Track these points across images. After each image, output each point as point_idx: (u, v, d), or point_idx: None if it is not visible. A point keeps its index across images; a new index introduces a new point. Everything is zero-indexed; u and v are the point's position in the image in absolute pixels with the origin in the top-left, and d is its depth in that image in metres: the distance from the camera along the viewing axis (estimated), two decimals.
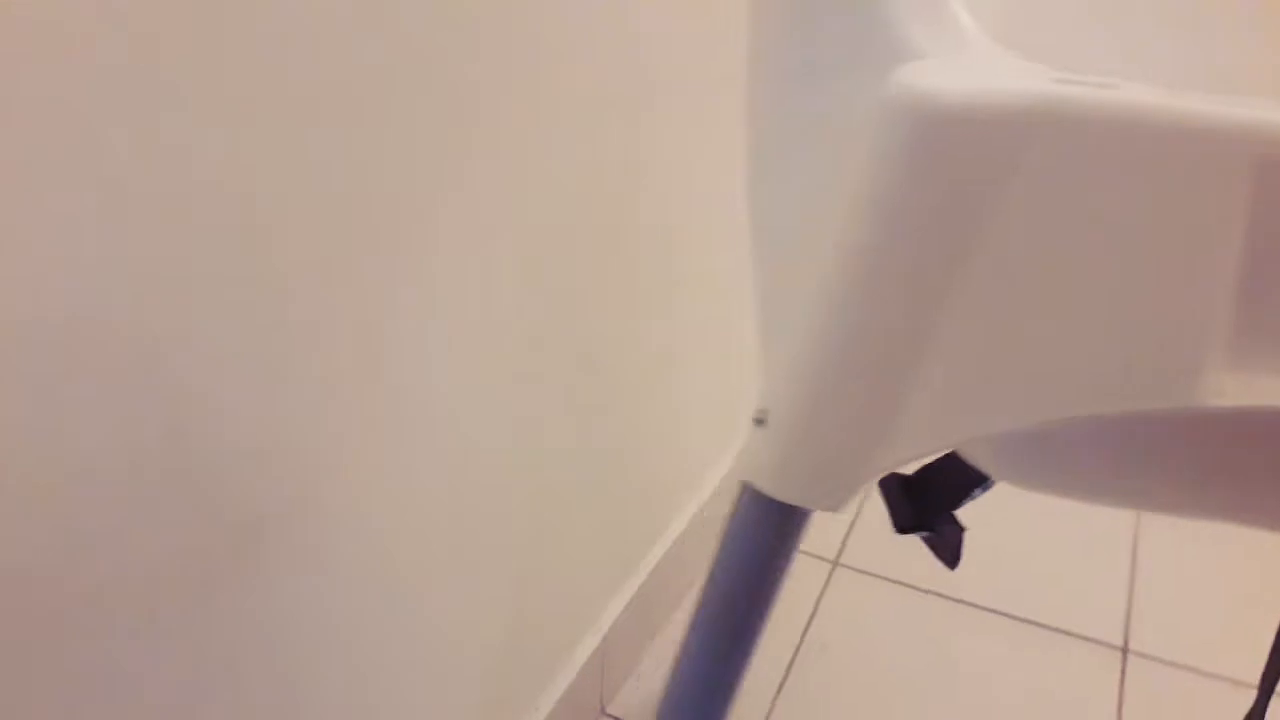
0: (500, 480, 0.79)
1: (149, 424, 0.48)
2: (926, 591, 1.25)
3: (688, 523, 1.17)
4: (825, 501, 0.36)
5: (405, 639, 0.72)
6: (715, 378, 1.16)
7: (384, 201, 0.59)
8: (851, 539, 1.33)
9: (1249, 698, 0.64)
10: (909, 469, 0.53)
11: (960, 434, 0.36)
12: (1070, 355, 0.32)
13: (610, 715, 1.08)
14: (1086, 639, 1.20)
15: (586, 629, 1.01)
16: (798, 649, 1.18)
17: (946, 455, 0.49)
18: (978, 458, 0.45)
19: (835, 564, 1.29)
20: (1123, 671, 1.16)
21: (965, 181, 0.31)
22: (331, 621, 0.64)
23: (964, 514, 0.56)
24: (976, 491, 0.52)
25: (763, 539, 0.39)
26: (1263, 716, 0.61)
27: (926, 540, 0.54)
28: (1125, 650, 1.18)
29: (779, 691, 1.13)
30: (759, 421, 0.36)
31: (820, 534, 1.34)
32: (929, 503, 0.52)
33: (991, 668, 1.16)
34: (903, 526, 0.53)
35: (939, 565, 0.56)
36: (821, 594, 1.25)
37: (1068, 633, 1.21)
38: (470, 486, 0.75)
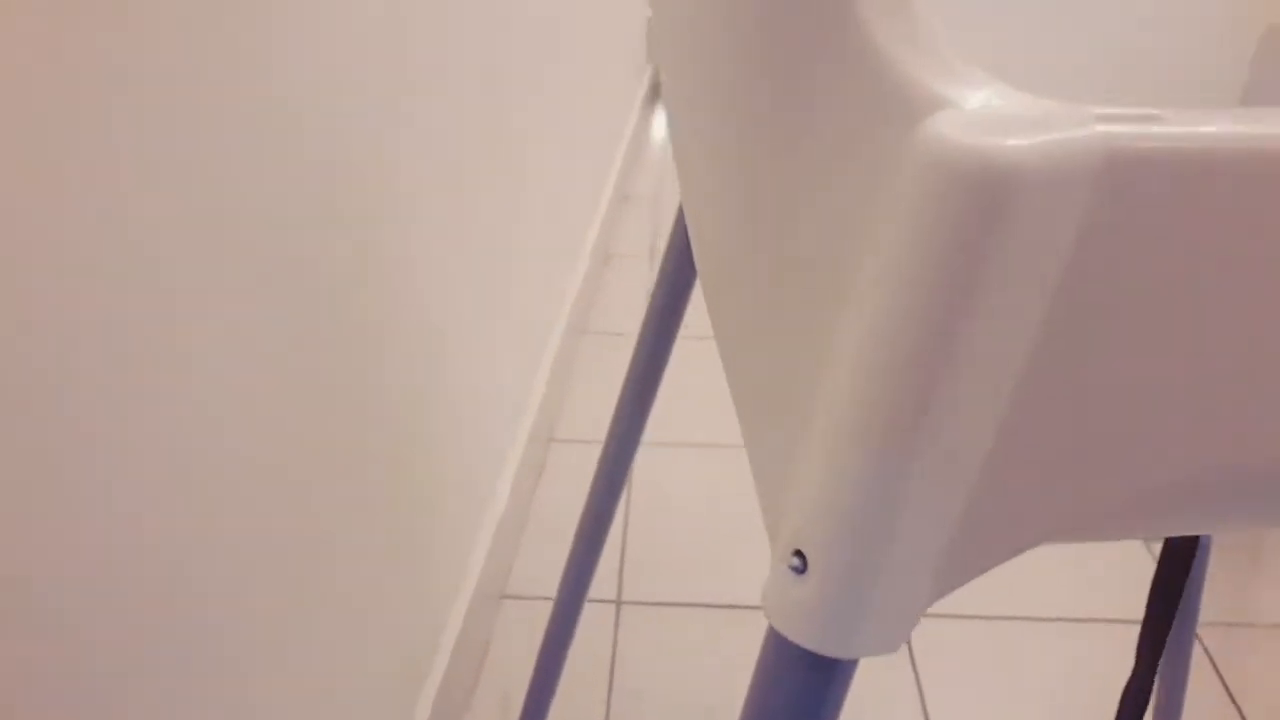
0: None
1: None
2: (726, 607, 1.23)
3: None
4: (885, 645, 0.29)
5: None
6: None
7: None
8: (626, 573, 1.28)
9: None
10: None
11: (1041, 538, 0.30)
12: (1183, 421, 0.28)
13: None
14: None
15: None
16: (609, 705, 1.11)
17: None
18: None
19: (619, 603, 1.24)
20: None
21: (1043, 250, 0.25)
22: None
23: None
24: None
25: (811, 698, 0.30)
26: (1150, 681, 0.62)
27: None
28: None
29: None
30: (797, 569, 0.29)
31: (596, 578, 1.28)
32: None
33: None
34: None
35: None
36: (615, 639, 1.19)
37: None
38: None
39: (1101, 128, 0.25)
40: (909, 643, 1.19)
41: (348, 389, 0.71)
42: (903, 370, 0.26)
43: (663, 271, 0.70)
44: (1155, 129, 0.25)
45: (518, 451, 1.31)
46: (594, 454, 1.51)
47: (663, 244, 2.08)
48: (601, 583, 1.26)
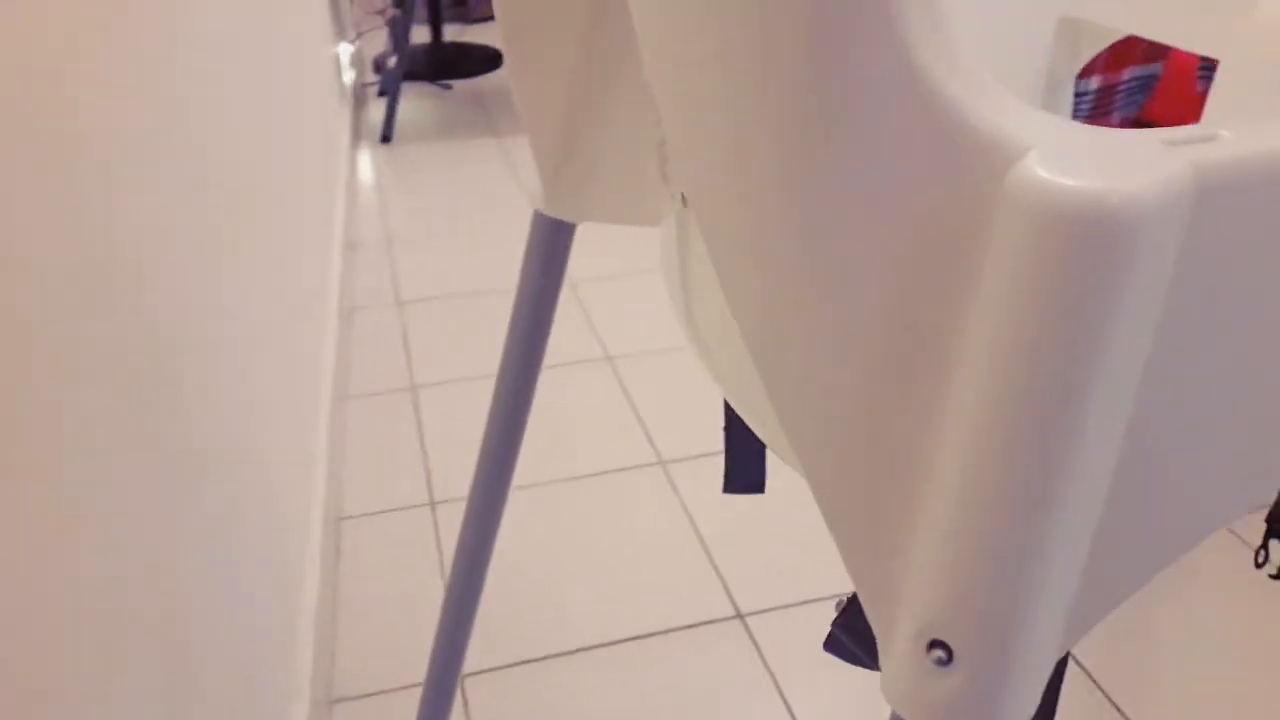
0: None
1: None
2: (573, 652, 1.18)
3: None
4: (1026, 713, 0.27)
5: None
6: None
7: None
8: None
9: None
10: None
11: (1156, 568, 0.29)
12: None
13: None
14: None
15: None
16: None
17: None
18: None
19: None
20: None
21: (1157, 280, 0.24)
22: None
23: None
24: None
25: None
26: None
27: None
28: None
29: None
30: (942, 661, 0.26)
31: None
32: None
33: None
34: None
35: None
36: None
37: None
38: None
39: (1183, 152, 0.25)
40: (755, 641, 1.20)
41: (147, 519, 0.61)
42: (1043, 434, 0.25)
43: (521, 316, 0.66)
44: (1231, 150, 0.25)
45: (315, 540, 1.20)
46: (388, 525, 1.42)
47: (407, 291, 1.99)
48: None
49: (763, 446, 0.60)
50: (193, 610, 0.67)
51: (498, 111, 2.86)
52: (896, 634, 0.28)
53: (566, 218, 0.61)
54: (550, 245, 0.62)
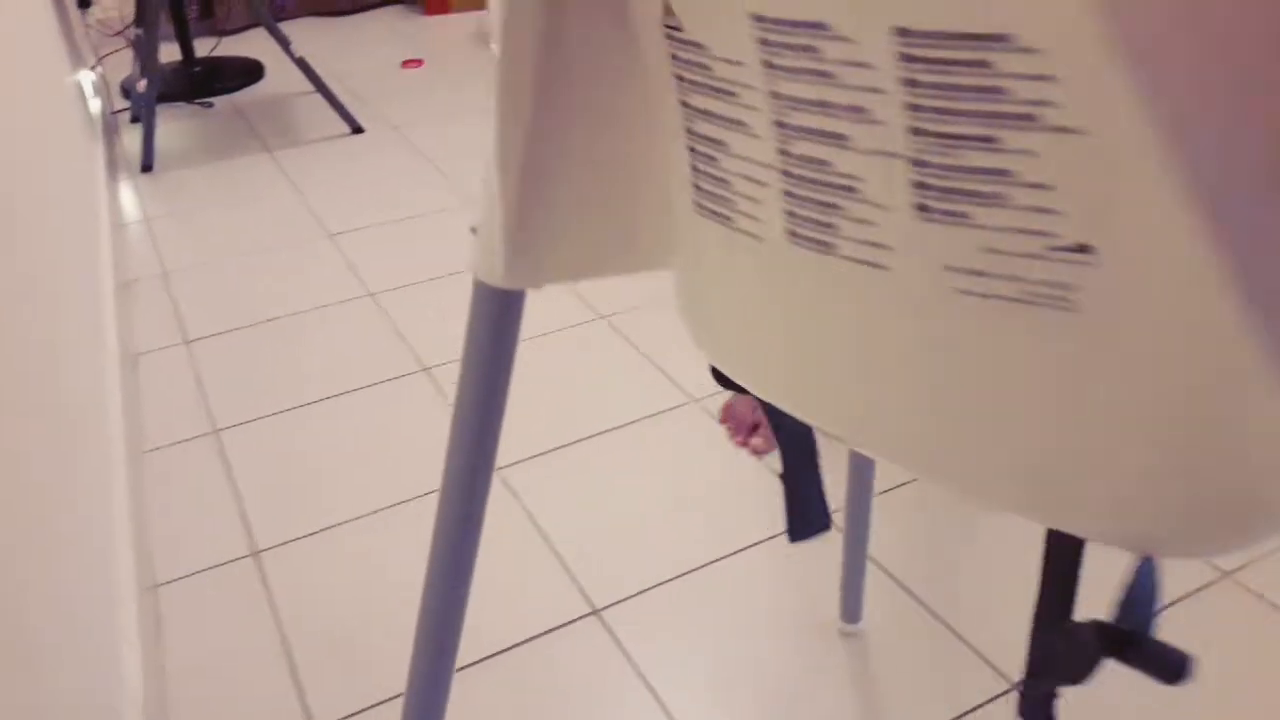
0: None
1: None
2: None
3: None
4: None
5: None
6: None
7: None
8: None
9: None
10: None
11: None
12: None
13: None
14: None
15: None
16: None
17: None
18: None
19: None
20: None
21: None
22: None
23: None
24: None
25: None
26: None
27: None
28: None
29: None
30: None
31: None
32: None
33: None
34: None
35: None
36: None
37: None
38: None
39: None
40: (616, 637, 1.19)
41: None
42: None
43: (470, 403, 0.62)
44: None
45: (130, 616, 1.10)
46: (209, 584, 1.32)
47: (194, 327, 1.85)
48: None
49: (821, 488, 0.58)
50: None
51: (265, 125, 2.72)
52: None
53: (531, 285, 0.56)
54: (500, 320, 0.57)
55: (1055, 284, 0.36)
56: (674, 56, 0.44)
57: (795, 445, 0.60)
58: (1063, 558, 0.54)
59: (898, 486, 1.40)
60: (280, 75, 3.09)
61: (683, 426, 1.53)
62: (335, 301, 1.90)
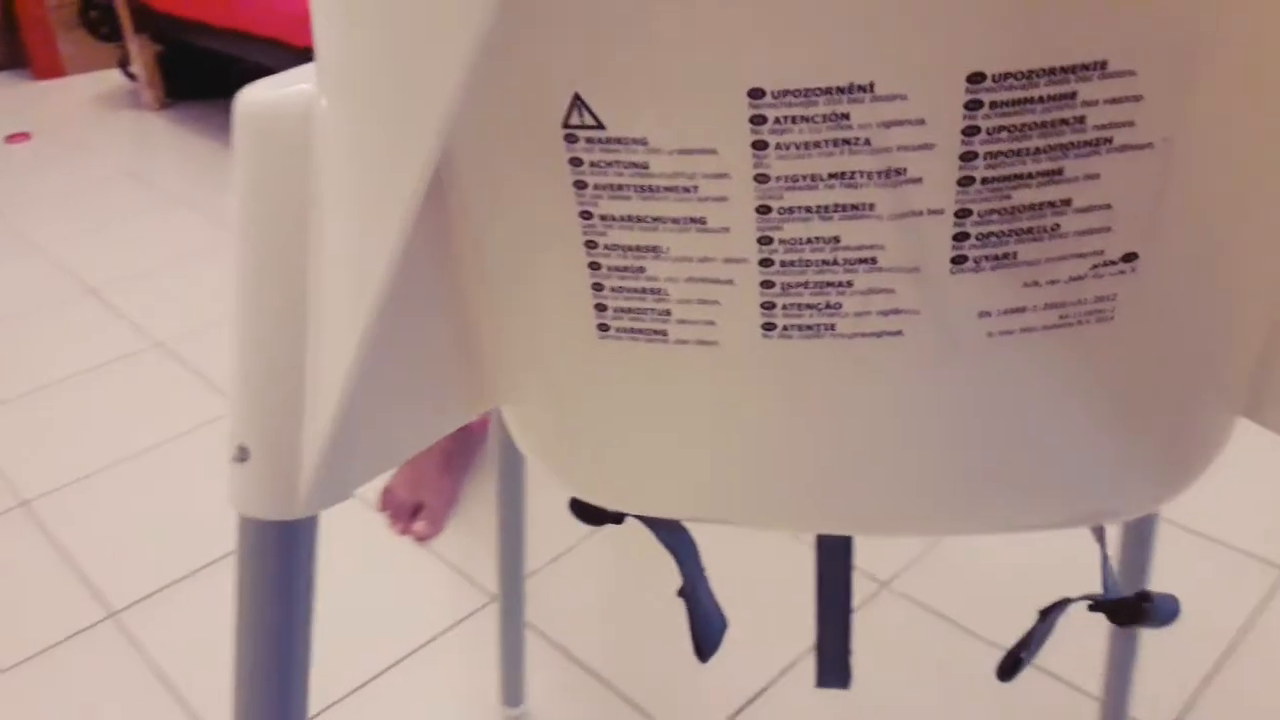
0: None
1: None
2: None
3: None
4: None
5: None
6: None
7: None
8: None
9: None
10: None
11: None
12: None
13: None
14: None
15: None
16: None
17: None
18: None
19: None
20: None
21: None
22: None
23: None
24: None
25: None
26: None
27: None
28: None
29: None
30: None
31: None
32: None
33: None
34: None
35: None
36: None
37: None
38: None
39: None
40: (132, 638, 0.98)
41: None
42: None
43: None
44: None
45: None
46: (69, 655, 1.03)
47: None
48: None
49: (849, 644, 0.57)
50: None
51: None
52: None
53: (338, 500, 0.41)
54: (291, 558, 0.40)
55: (1098, 299, 0.35)
56: (574, 162, 0.34)
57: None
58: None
59: (554, 560, 1.34)
60: None
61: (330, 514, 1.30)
62: None
